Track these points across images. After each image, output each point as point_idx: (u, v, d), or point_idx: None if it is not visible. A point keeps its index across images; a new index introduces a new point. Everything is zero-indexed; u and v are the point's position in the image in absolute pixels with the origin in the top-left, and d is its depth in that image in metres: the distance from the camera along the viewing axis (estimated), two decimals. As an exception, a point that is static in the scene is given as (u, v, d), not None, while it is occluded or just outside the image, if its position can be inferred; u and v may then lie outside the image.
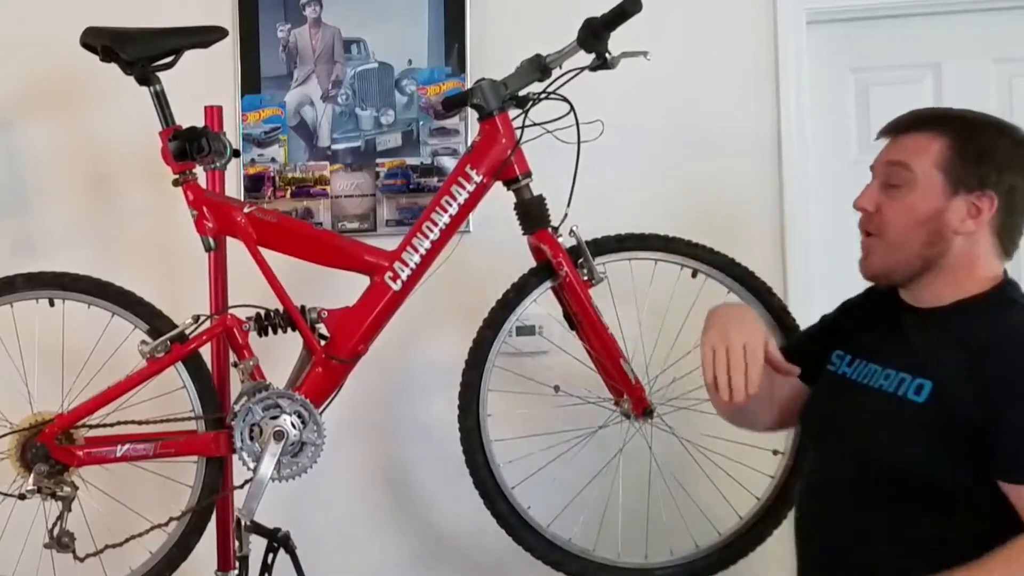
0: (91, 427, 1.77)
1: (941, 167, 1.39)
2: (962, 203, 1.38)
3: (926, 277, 1.43)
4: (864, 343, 1.50)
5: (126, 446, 1.75)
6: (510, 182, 1.81)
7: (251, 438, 1.73)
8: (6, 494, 1.76)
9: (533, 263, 1.84)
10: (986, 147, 1.39)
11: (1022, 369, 1.30)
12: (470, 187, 1.79)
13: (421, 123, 2.28)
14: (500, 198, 1.83)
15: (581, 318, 1.81)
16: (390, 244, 1.83)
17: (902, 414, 1.36)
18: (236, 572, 1.85)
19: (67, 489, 1.72)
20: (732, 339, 1.46)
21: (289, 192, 2.30)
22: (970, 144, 1.39)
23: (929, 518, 1.33)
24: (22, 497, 1.72)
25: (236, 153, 1.93)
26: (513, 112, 1.81)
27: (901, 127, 1.46)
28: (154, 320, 1.79)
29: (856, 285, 2.25)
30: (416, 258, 1.79)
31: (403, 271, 1.79)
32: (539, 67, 1.78)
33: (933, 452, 1.32)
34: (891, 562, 1.36)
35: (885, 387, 1.41)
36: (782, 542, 1.69)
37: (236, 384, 1.83)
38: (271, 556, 1.80)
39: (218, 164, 1.87)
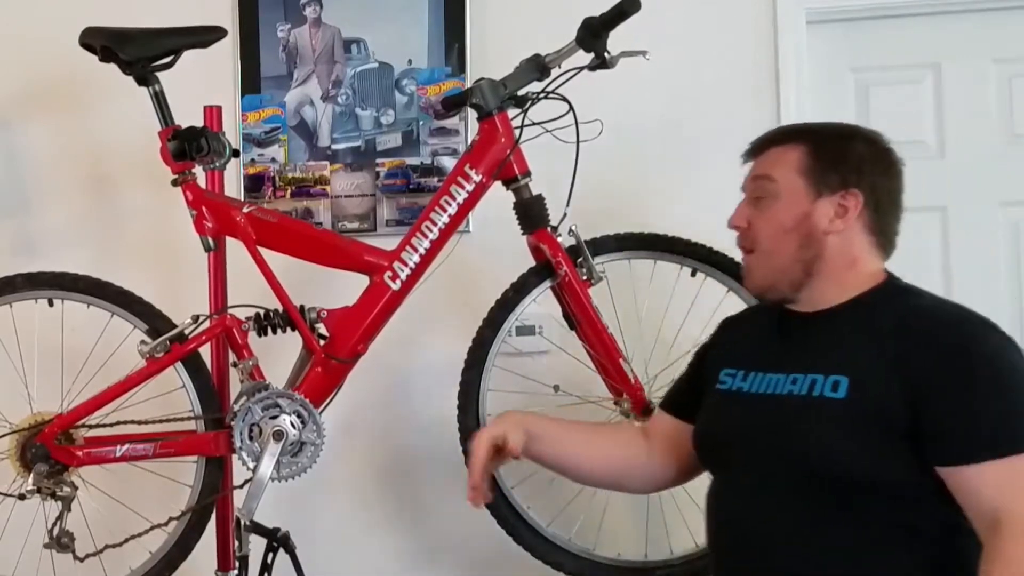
0: (91, 427, 1.77)
1: (802, 173, 1.42)
2: (827, 204, 1.41)
3: (810, 283, 1.43)
4: (757, 356, 1.47)
5: (126, 446, 1.75)
6: (509, 182, 1.81)
7: (251, 438, 1.73)
8: (6, 494, 1.76)
9: (532, 263, 1.85)
10: (843, 149, 1.43)
11: (944, 351, 1.29)
12: (469, 187, 1.79)
13: (421, 123, 2.28)
14: (500, 198, 1.83)
15: (580, 318, 1.81)
16: (390, 244, 1.83)
17: (823, 414, 1.33)
18: (236, 572, 1.85)
19: (67, 489, 1.72)
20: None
21: (289, 192, 2.30)
22: (827, 148, 1.43)
23: (874, 518, 1.29)
24: (22, 497, 1.72)
25: (235, 153, 1.93)
26: (512, 112, 1.81)
27: (761, 145, 1.50)
28: (153, 320, 1.79)
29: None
30: (415, 258, 1.79)
31: (402, 271, 1.79)
32: (538, 67, 1.79)
33: (863, 447, 1.29)
34: (838, 567, 1.31)
35: (796, 391, 1.37)
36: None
37: (236, 384, 1.83)
38: (271, 556, 1.80)
39: (217, 164, 1.87)
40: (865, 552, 1.30)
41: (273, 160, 2.31)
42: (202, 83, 2.07)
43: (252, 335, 1.79)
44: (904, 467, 1.29)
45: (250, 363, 1.78)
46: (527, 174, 1.82)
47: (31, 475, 1.71)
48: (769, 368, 1.43)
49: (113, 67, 1.79)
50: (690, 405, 1.58)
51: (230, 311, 1.81)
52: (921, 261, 2.26)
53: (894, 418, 1.29)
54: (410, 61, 2.28)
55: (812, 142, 1.44)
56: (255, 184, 2.31)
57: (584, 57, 1.77)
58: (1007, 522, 1.22)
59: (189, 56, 1.80)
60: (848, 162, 1.42)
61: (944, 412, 1.27)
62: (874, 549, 1.30)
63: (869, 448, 1.29)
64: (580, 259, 1.82)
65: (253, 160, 2.31)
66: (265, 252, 1.78)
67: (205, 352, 1.83)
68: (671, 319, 1.95)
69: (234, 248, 1.86)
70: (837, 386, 1.33)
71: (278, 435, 1.71)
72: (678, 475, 1.63)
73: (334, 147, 2.30)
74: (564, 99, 1.78)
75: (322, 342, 1.78)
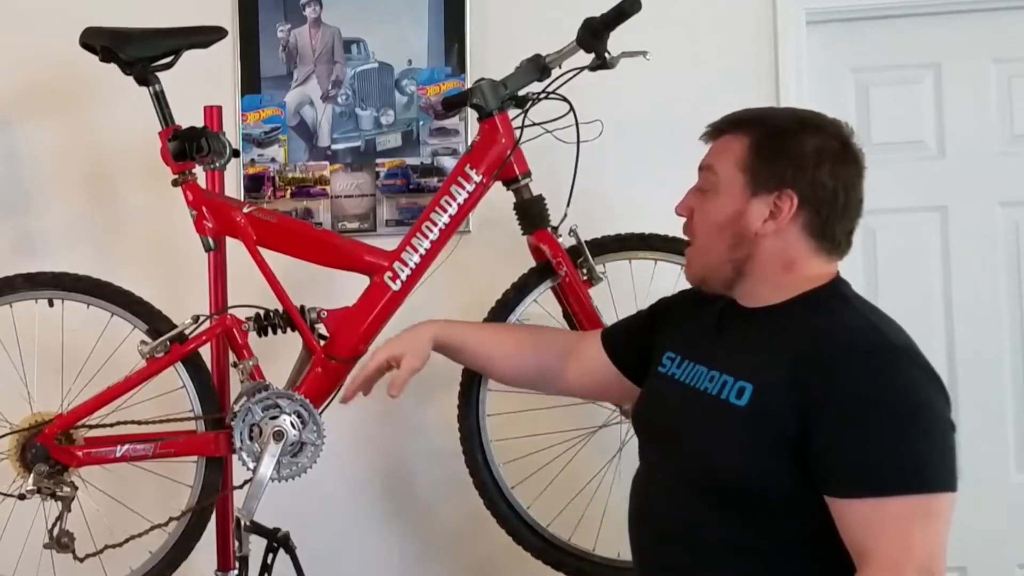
0: (91, 427, 1.77)
1: (743, 167, 1.35)
2: (762, 204, 1.34)
3: (744, 283, 1.38)
4: (693, 344, 1.45)
5: (126, 446, 1.75)
6: (510, 182, 1.82)
7: (251, 438, 1.73)
8: (6, 494, 1.76)
9: (533, 263, 1.85)
10: (787, 144, 1.34)
11: (838, 375, 1.24)
12: (470, 187, 1.79)
13: (421, 123, 2.28)
14: (500, 198, 1.83)
15: (581, 318, 1.82)
16: (390, 244, 1.83)
17: (722, 418, 1.30)
18: (236, 572, 1.85)
19: (67, 489, 1.72)
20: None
21: (289, 192, 2.30)
22: (771, 142, 1.35)
23: (755, 525, 1.28)
24: (22, 497, 1.72)
25: (236, 153, 1.93)
26: (513, 112, 1.81)
27: (715, 130, 1.43)
28: (153, 320, 1.79)
29: (856, 283, 2.26)
30: (416, 258, 1.79)
31: (403, 271, 1.79)
32: (539, 67, 1.79)
33: (754, 458, 1.27)
34: (720, 569, 1.31)
35: (710, 389, 1.35)
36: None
37: (236, 384, 1.83)
38: (271, 556, 1.80)
39: (217, 164, 1.86)
40: (745, 559, 1.29)
41: (273, 160, 2.31)
42: (202, 83, 2.06)
43: (252, 335, 1.79)
44: (793, 483, 1.26)
45: (250, 363, 1.78)
46: (527, 174, 1.82)
47: (31, 475, 1.71)
48: (698, 359, 1.41)
49: (113, 67, 1.79)
50: (625, 356, 1.60)
51: (230, 311, 1.81)
52: (921, 261, 2.27)
53: (788, 435, 1.25)
54: (410, 61, 2.28)
55: (758, 134, 1.36)
56: (255, 184, 2.30)
57: (584, 57, 1.77)
58: (870, 562, 1.20)
59: (189, 56, 1.80)
60: (789, 158, 1.33)
61: (824, 440, 1.23)
62: (754, 558, 1.28)
63: (760, 460, 1.27)
64: (580, 259, 1.82)
65: (253, 160, 2.31)
66: (265, 252, 1.78)
67: (205, 352, 1.83)
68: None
69: (234, 248, 1.86)
70: (742, 393, 1.30)
71: (278, 435, 1.71)
72: (584, 395, 1.75)
73: (334, 147, 2.30)
74: (564, 99, 1.78)
75: (322, 342, 1.78)
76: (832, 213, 1.34)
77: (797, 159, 1.33)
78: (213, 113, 1.92)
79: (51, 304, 1.81)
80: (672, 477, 1.38)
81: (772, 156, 1.34)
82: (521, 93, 1.80)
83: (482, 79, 1.81)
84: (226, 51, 2.24)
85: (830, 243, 1.36)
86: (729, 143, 1.39)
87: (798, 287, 1.35)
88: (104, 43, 1.77)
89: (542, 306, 1.89)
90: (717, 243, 1.38)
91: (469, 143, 1.92)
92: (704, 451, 1.33)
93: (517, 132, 1.80)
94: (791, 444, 1.25)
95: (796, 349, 1.28)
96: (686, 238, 1.46)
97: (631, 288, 1.89)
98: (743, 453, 1.28)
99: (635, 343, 1.58)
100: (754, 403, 1.28)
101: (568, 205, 1.82)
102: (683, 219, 1.47)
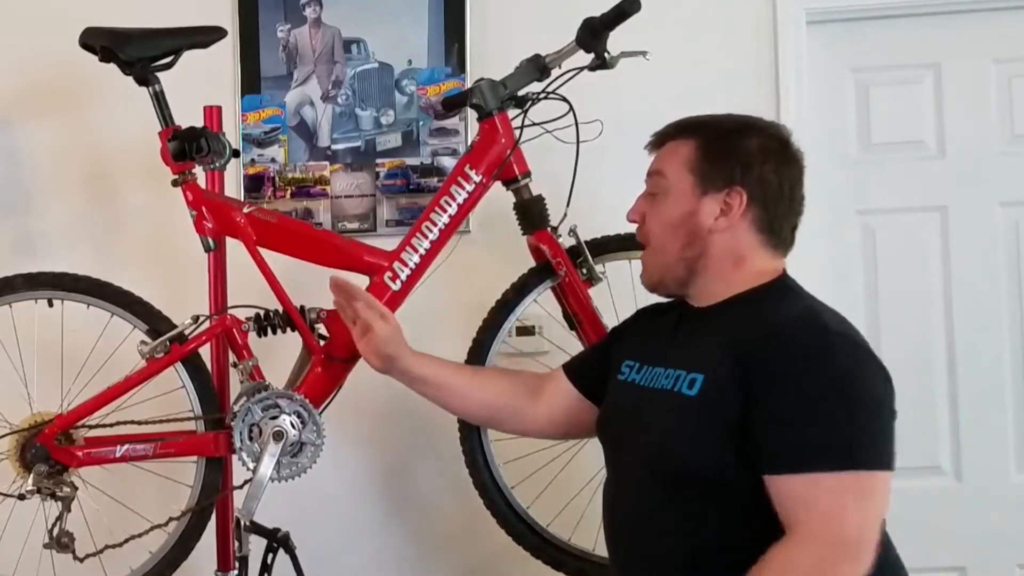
0: (91, 427, 1.77)
1: (691, 169, 1.43)
2: (712, 202, 1.41)
3: (697, 281, 1.45)
4: (650, 350, 1.50)
5: (126, 446, 1.75)
6: (509, 182, 1.82)
7: (251, 438, 1.73)
8: (6, 494, 1.76)
9: (533, 263, 1.85)
10: (733, 145, 1.42)
11: (776, 358, 1.29)
12: (469, 187, 1.79)
13: (421, 123, 2.28)
14: (500, 198, 1.83)
15: (581, 318, 1.82)
16: (390, 244, 1.83)
17: (676, 409, 1.36)
18: (236, 572, 1.85)
19: (67, 489, 1.72)
20: None
21: (289, 192, 2.30)
22: (717, 143, 1.43)
23: (713, 515, 1.32)
24: (22, 497, 1.71)
25: (236, 153, 1.93)
26: (512, 112, 1.81)
27: (661, 137, 1.51)
28: (153, 320, 1.79)
29: (856, 283, 2.27)
30: (415, 258, 1.79)
31: (402, 271, 1.79)
32: (538, 67, 1.79)
33: (702, 445, 1.32)
34: (684, 558, 1.35)
35: (665, 385, 1.40)
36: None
37: (236, 384, 1.83)
38: (271, 556, 1.80)
39: (217, 164, 1.86)
40: (707, 545, 1.33)
41: (273, 160, 2.31)
42: (202, 83, 2.07)
43: (252, 335, 1.79)
44: (744, 467, 1.29)
45: (250, 363, 1.78)
46: (527, 174, 1.82)
47: (31, 475, 1.70)
48: (656, 362, 1.46)
49: (113, 67, 1.79)
50: (589, 381, 1.62)
51: (230, 311, 1.81)
52: (921, 261, 2.27)
53: (734, 419, 1.29)
54: (410, 61, 2.28)
55: (705, 136, 1.44)
56: (255, 184, 2.30)
57: (584, 57, 1.77)
58: (795, 530, 1.24)
59: (189, 56, 1.80)
60: (736, 158, 1.41)
61: (762, 419, 1.27)
62: (716, 542, 1.32)
63: (712, 446, 1.31)
64: (580, 259, 1.82)
65: (253, 160, 2.31)
66: (265, 252, 1.78)
67: (205, 352, 1.83)
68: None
69: (234, 248, 1.86)
70: (693, 383, 1.35)
71: (278, 435, 1.71)
72: (555, 433, 1.73)
73: (334, 147, 2.30)
74: (564, 99, 1.78)
75: (322, 342, 1.78)
76: (779, 208, 1.43)
77: (744, 158, 1.41)
78: (213, 113, 1.92)
79: (51, 304, 1.81)
80: (635, 475, 1.43)
81: (719, 156, 1.42)
82: (521, 93, 1.80)
83: (482, 79, 1.81)
84: (226, 51, 2.24)
85: (776, 237, 1.44)
86: (676, 148, 1.47)
87: (748, 282, 1.42)
88: (104, 43, 1.77)
89: (542, 306, 1.89)
90: (671, 243, 1.45)
91: (469, 143, 1.92)
92: (661, 442, 1.37)
93: (517, 132, 1.80)
94: (738, 428, 1.29)
95: (742, 338, 1.33)
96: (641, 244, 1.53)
97: (631, 288, 1.89)
98: (696, 440, 1.33)
99: (597, 367, 1.62)
100: (704, 392, 1.33)
101: (568, 205, 1.82)
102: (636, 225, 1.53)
